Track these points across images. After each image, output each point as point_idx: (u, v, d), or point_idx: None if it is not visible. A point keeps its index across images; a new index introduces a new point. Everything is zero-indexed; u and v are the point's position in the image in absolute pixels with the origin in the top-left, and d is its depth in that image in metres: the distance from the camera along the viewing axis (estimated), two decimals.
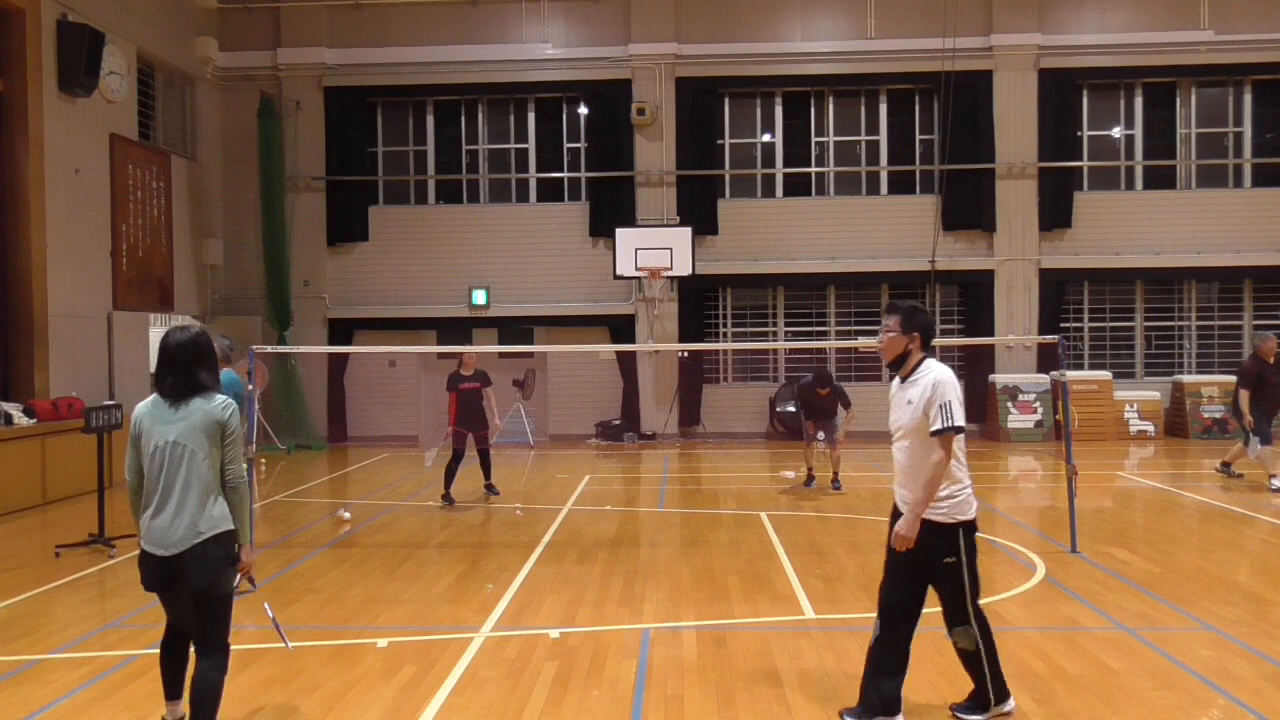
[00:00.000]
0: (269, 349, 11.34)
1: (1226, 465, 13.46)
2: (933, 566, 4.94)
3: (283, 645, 5.60)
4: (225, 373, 7.50)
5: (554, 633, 6.74)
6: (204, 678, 4.63)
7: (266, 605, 5.91)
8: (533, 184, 20.24)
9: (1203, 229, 19.19)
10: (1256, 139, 19.62)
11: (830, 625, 6.90)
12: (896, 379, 5.08)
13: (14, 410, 12.76)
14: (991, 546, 9.47)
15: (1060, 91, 19.18)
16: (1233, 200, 19.48)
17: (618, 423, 19.19)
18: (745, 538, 10.01)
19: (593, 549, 9.55)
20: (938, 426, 4.78)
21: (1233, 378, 18.95)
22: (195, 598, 4.63)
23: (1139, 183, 19.88)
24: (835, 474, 12.91)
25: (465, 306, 19.58)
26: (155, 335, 17.79)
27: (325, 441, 19.11)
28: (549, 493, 13.15)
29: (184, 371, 4.69)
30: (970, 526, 4.96)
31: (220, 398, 4.76)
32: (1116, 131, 19.86)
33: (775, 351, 19.93)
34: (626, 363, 19.37)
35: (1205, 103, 19.74)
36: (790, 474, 13.99)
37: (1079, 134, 19.54)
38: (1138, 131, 19.77)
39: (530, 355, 19.14)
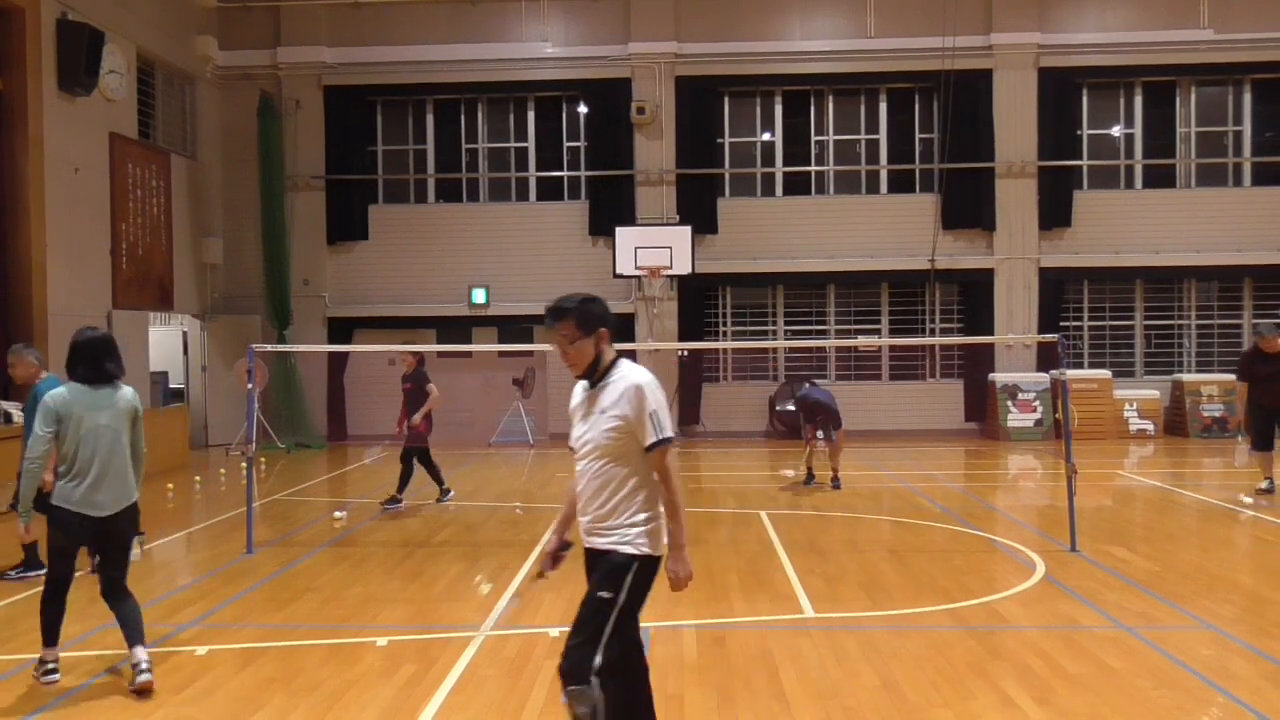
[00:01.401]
0: (269, 348, 11.35)
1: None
2: (587, 594, 4.12)
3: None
4: (50, 379, 7.92)
5: (554, 631, 6.73)
6: (132, 609, 5.79)
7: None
8: (532, 183, 20.24)
9: (1202, 228, 19.19)
10: (1256, 138, 19.61)
11: (830, 624, 6.90)
12: (579, 386, 4.26)
13: (13, 409, 12.76)
14: (991, 545, 9.48)
15: (1060, 90, 19.17)
16: (1232, 199, 19.48)
17: None
18: (745, 536, 10.01)
19: None
20: (652, 440, 4.00)
21: (1233, 376, 19.04)
22: (112, 551, 5.80)
23: (1139, 181, 19.88)
24: (835, 473, 12.91)
25: (465, 305, 19.57)
26: (155, 334, 17.82)
27: (325, 440, 19.10)
28: (549, 491, 13.15)
29: (94, 362, 5.72)
30: (648, 564, 4.09)
31: (130, 389, 5.89)
32: (1116, 130, 19.85)
33: (775, 350, 19.92)
34: None
35: (1205, 102, 19.74)
36: (790, 472, 13.99)
37: (1079, 133, 19.54)
38: (1137, 130, 19.77)
39: (530, 354, 19.13)
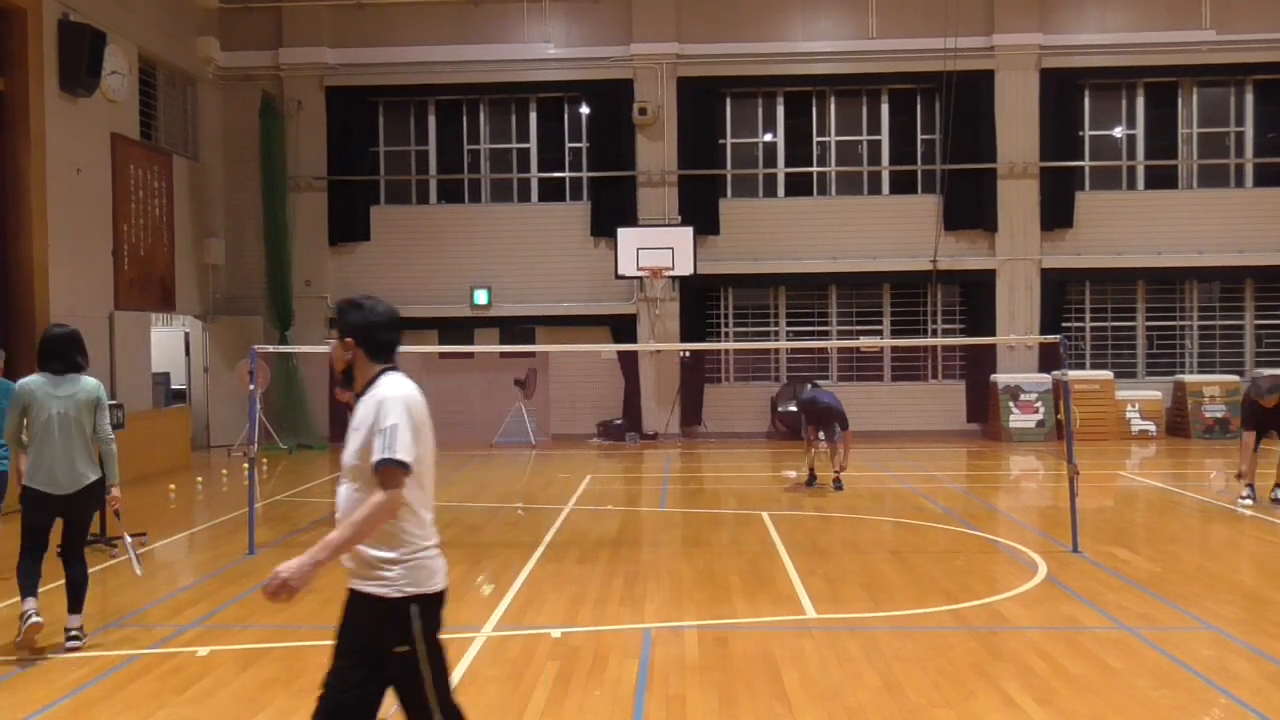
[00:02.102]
0: (270, 349, 11.36)
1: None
2: (382, 657, 3.58)
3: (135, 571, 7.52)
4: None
5: (556, 632, 6.74)
6: (81, 575, 6.48)
7: (127, 537, 7.50)
8: (534, 184, 20.24)
9: (1204, 229, 19.16)
10: (1258, 139, 19.59)
11: (832, 625, 6.90)
12: None
13: None
14: (993, 546, 9.48)
15: (1062, 91, 19.15)
16: (1234, 200, 19.46)
17: (619, 422, 19.18)
18: (747, 537, 10.01)
19: (594, 549, 9.55)
20: (376, 457, 3.47)
21: (1234, 377, 19.03)
22: (73, 523, 6.51)
23: (1140, 182, 19.86)
24: (837, 474, 12.90)
25: (467, 306, 19.57)
26: (157, 335, 17.83)
27: (327, 441, 19.09)
28: (550, 492, 13.15)
29: (64, 355, 6.45)
30: (431, 602, 3.57)
31: (93, 379, 6.55)
32: (1118, 131, 19.84)
33: (776, 351, 19.92)
34: (628, 362, 19.36)
35: (1207, 102, 19.72)
36: (792, 473, 13.99)
37: (1080, 134, 19.51)
38: (1139, 131, 19.75)
39: (532, 355, 19.15)
